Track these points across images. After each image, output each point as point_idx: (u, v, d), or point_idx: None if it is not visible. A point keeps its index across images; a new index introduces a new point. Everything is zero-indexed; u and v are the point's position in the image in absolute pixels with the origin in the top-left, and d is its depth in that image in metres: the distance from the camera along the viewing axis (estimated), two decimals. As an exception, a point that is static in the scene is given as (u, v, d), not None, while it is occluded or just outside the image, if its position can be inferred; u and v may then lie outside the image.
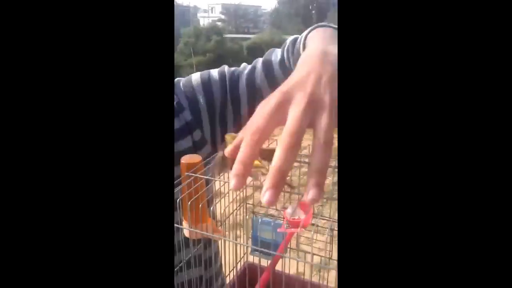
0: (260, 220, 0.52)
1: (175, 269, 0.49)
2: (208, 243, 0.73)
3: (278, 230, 0.49)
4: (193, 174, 0.43)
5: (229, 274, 0.55)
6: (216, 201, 0.51)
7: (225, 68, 0.68)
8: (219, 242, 0.49)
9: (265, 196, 0.29)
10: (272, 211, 0.54)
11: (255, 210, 0.57)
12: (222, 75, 0.67)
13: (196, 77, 0.68)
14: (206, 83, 0.66)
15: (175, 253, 0.62)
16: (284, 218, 0.50)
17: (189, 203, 0.42)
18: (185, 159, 0.45)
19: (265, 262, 0.53)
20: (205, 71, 0.69)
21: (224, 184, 0.45)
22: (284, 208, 0.51)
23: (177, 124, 0.64)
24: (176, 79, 0.69)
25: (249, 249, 0.55)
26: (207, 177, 0.44)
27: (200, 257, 0.69)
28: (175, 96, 0.66)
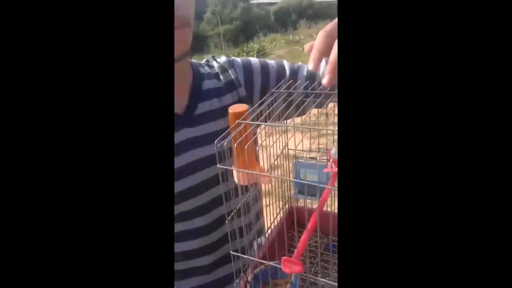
0: (303, 163, 0.52)
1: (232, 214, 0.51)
2: (258, 194, 0.78)
3: (325, 170, 0.49)
4: (244, 121, 0.46)
5: (276, 217, 0.56)
6: (260, 151, 0.51)
7: (284, 61, 0.78)
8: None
9: (325, 78, 0.40)
10: (313, 154, 0.53)
11: (297, 154, 0.57)
12: (280, 65, 0.76)
13: (255, 60, 0.76)
14: (265, 67, 0.75)
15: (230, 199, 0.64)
16: (329, 159, 0.49)
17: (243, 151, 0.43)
18: (233, 109, 0.47)
19: (310, 204, 0.53)
20: (263, 59, 0.78)
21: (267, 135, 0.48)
22: (328, 149, 0.51)
23: (231, 98, 0.71)
24: (231, 58, 0.77)
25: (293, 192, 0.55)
26: (257, 122, 0.47)
27: (249, 207, 0.70)
28: (233, 71, 0.73)
